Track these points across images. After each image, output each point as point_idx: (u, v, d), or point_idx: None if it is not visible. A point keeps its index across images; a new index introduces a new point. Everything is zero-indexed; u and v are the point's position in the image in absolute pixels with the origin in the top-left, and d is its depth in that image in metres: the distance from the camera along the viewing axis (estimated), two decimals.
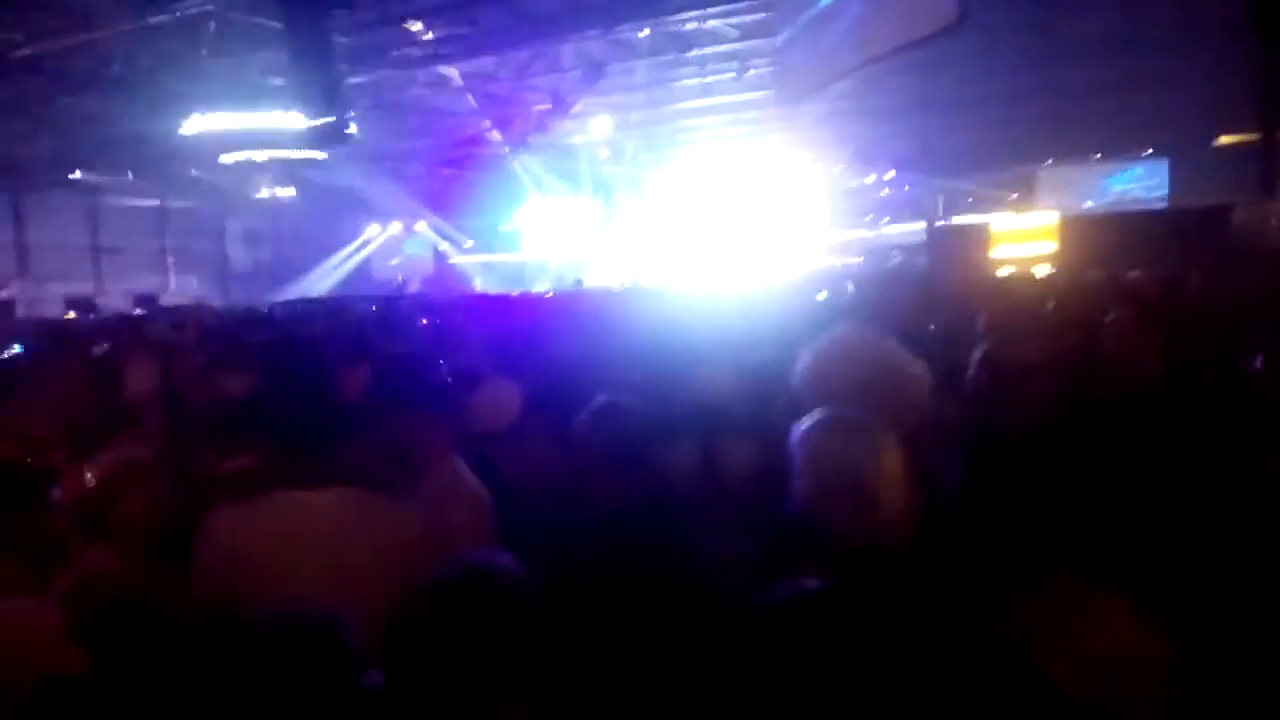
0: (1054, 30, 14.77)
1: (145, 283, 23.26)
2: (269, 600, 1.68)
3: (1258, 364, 3.21)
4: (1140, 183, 21.28)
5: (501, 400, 3.29)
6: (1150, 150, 20.64)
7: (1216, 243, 9.75)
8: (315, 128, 12.89)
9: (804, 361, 2.52)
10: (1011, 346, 3.38)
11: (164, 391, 3.95)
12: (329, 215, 26.16)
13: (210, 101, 16.78)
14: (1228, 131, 16.06)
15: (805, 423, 2.16)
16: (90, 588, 2.15)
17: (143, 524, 2.44)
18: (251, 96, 16.95)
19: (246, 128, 18.26)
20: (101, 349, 6.59)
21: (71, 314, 17.48)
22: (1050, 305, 6.08)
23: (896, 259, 20.20)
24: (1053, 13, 13.83)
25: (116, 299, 20.72)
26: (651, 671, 2.00)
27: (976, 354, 3.36)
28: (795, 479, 2.09)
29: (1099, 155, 21.14)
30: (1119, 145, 20.60)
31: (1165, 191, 20.33)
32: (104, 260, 24.42)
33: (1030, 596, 1.74)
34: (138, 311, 16.13)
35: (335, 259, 26.62)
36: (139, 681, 1.13)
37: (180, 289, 24.76)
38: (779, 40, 13.82)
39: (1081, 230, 12.66)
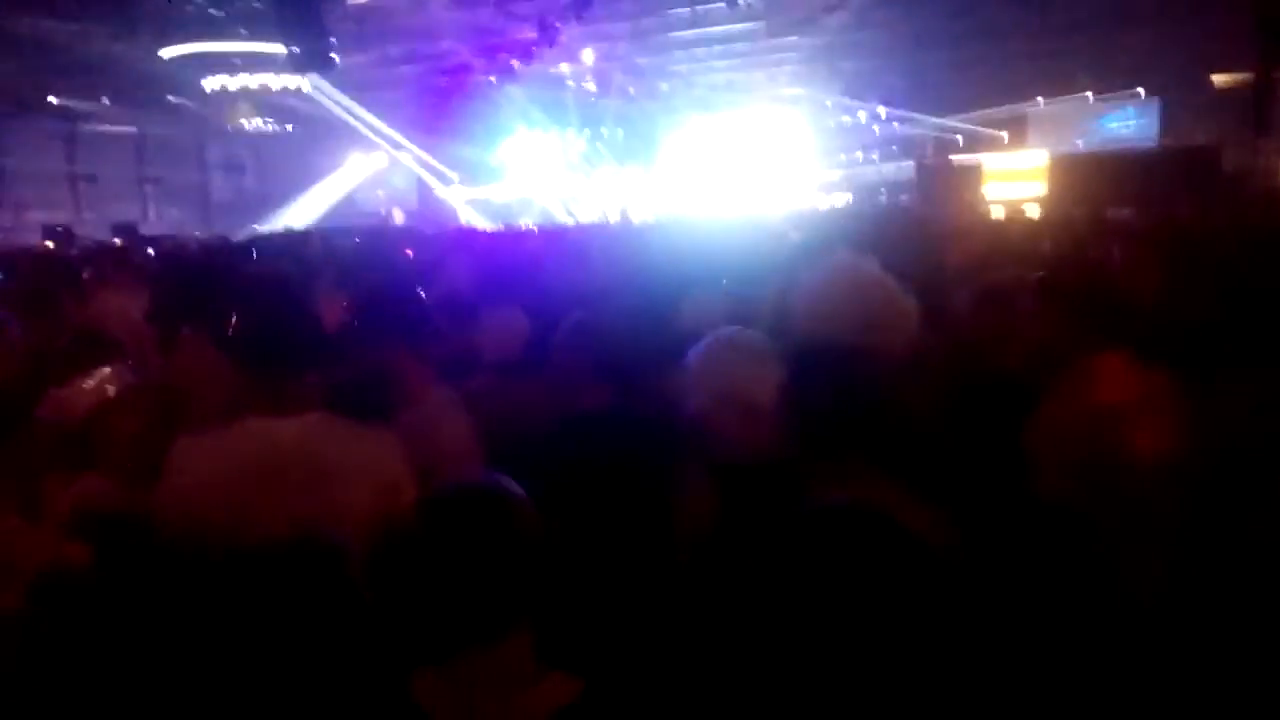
0: None
1: (124, 211, 22.89)
2: (239, 528, 1.66)
3: None
4: (1132, 122, 21.15)
5: (511, 328, 3.28)
6: (1142, 89, 20.46)
7: (1206, 182, 9.72)
8: (296, 54, 12.63)
9: (802, 289, 2.56)
10: (1002, 282, 3.38)
11: (156, 319, 3.90)
12: (312, 144, 25.76)
13: (188, 25, 16.39)
14: (1221, 70, 15.92)
15: (701, 343, 2.29)
16: (87, 514, 2.13)
17: (137, 449, 2.42)
18: (231, 21, 16.57)
19: (226, 53, 17.90)
20: (84, 276, 6.50)
21: (49, 243, 17.22)
22: (1045, 244, 6.06)
23: (884, 196, 20.11)
24: None
25: (95, 228, 20.41)
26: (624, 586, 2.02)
27: (968, 291, 3.34)
28: (690, 394, 2.20)
29: (1091, 94, 20.93)
30: (1111, 84, 20.39)
31: (1156, 131, 20.23)
32: (81, 188, 23.99)
33: (829, 482, 1.89)
34: (117, 241, 15.90)
35: (318, 189, 26.27)
36: (139, 600, 1.12)
37: (160, 218, 24.40)
38: None
39: (1071, 169, 12.60)
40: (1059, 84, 20.49)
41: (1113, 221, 7.56)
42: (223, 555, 1.23)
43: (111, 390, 2.49)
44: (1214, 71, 16.14)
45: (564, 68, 22.65)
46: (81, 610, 1.14)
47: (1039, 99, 21.03)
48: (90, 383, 2.50)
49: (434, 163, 25.35)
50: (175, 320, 3.89)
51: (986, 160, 14.70)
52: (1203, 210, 7.57)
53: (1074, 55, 19.59)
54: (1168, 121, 19.67)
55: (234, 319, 3.07)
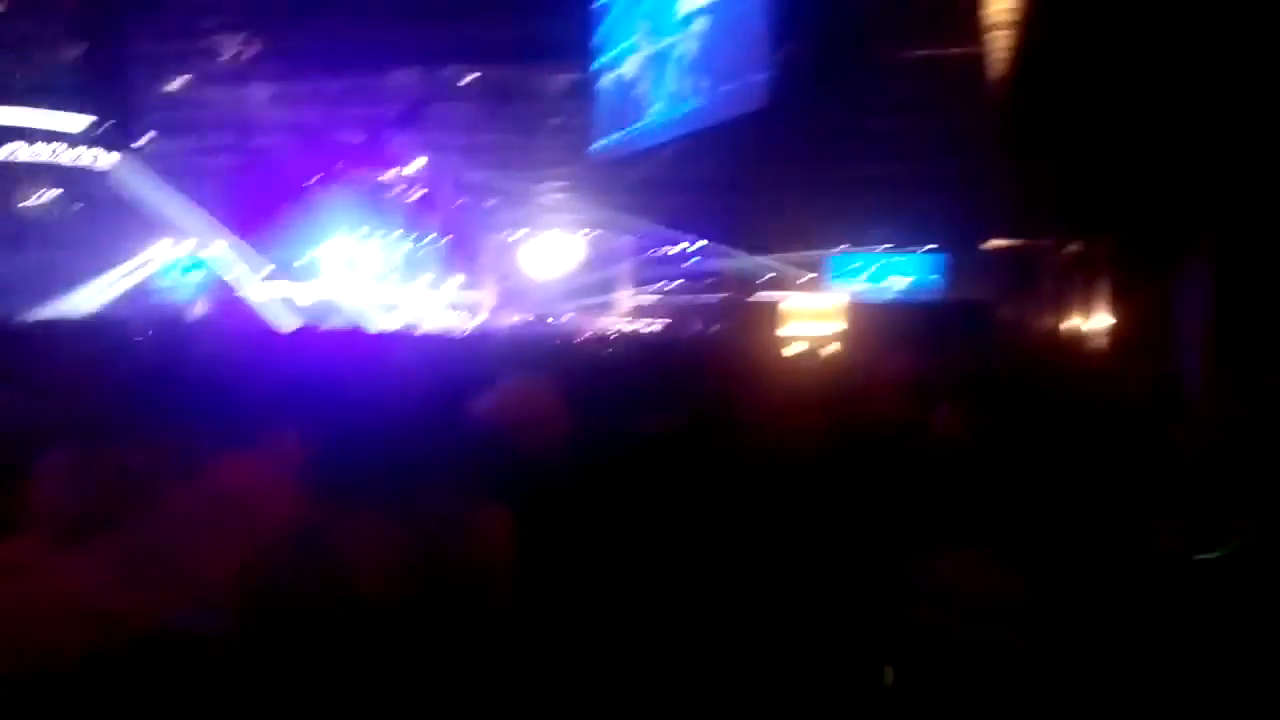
0: (848, 127, 15.90)
1: None
2: None
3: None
4: (922, 275, 23.07)
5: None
6: (931, 246, 22.41)
7: (980, 333, 10.63)
8: (99, 132, 12.05)
9: (485, 400, 2.84)
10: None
11: None
12: (112, 226, 24.30)
13: None
14: (993, 235, 17.63)
15: None
16: None
17: None
18: (33, 91, 15.72)
19: (22, 124, 16.92)
20: None
21: None
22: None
23: (696, 327, 20.86)
24: (846, 111, 14.88)
25: None
26: None
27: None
28: None
29: (886, 247, 22.75)
30: (904, 239, 22.28)
31: (942, 284, 22.13)
32: None
33: None
34: None
35: (112, 274, 24.68)
36: None
37: None
38: (596, 103, 14.15)
39: (866, 314, 13.51)
40: (858, 235, 22.20)
41: (900, 364, 8.08)
42: None
43: None
44: (988, 236, 17.83)
45: (391, 174, 22.60)
46: None
47: (840, 247, 22.66)
48: None
49: (245, 256, 24.42)
50: None
51: (790, 299, 15.55)
52: (979, 360, 8.22)
53: (872, 211, 21.36)
54: (950, 276, 21.55)
55: None
